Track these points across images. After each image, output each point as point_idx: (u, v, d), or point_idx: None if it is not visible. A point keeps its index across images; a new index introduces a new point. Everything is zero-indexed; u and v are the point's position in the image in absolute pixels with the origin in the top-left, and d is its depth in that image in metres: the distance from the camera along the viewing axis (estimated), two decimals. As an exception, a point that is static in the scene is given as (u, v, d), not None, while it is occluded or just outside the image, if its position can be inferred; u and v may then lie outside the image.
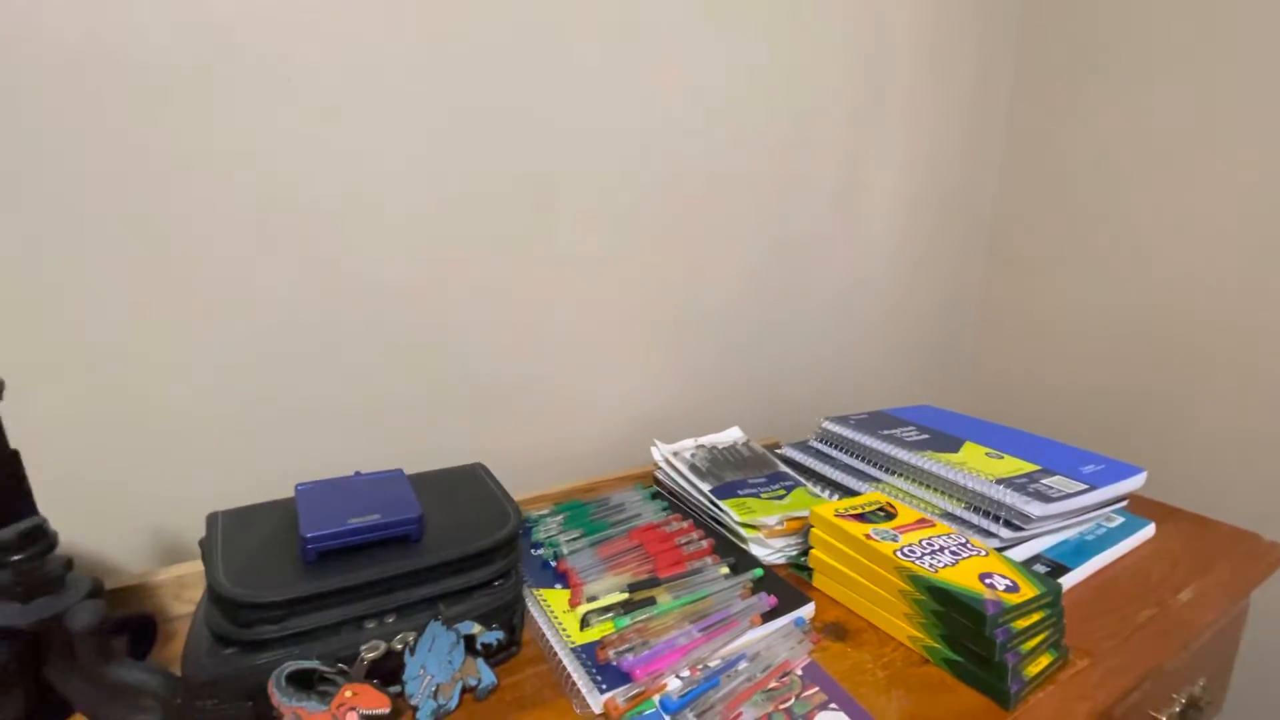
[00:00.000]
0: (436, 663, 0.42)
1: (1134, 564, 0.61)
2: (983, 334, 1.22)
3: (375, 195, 0.61)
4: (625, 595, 0.51)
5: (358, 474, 0.53)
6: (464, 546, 0.46)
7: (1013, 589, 0.46)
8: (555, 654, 0.46)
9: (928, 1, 0.95)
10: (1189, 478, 0.96)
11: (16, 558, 0.36)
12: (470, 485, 0.55)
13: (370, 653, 0.40)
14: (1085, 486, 0.60)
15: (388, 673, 0.41)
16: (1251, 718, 0.93)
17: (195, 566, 0.52)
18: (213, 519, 0.47)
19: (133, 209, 0.51)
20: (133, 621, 0.47)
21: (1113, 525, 0.65)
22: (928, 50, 0.98)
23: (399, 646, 0.41)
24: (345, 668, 0.39)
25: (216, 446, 0.58)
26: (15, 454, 0.40)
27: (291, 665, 0.38)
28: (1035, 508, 0.55)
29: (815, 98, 0.87)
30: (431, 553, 0.45)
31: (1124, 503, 0.67)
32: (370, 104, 0.58)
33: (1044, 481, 0.60)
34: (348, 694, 0.38)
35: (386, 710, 0.39)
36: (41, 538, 0.38)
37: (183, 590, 0.52)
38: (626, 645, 0.44)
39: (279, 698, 0.37)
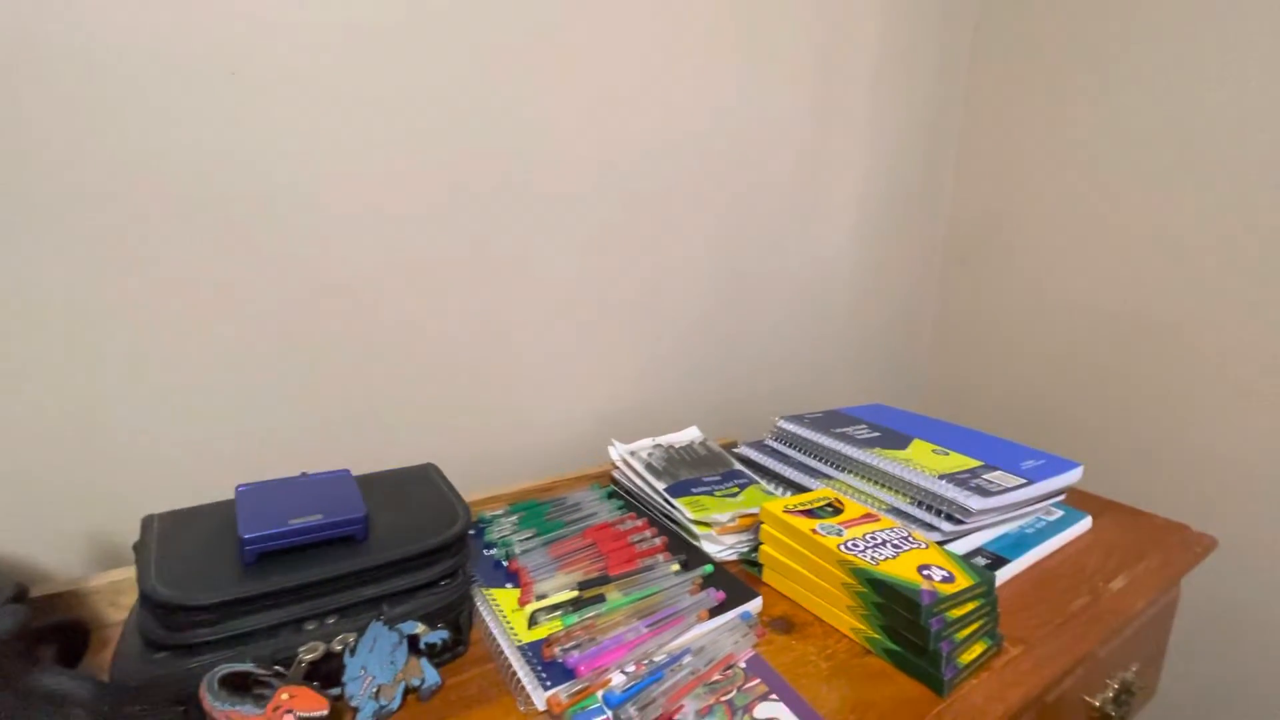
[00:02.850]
0: (378, 663, 0.41)
1: (1071, 555, 0.64)
2: (938, 335, 1.25)
3: (329, 195, 0.60)
4: (575, 593, 0.51)
5: (304, 474, 0.52)
6: (409, 546, 0.45)
7: (949, 579, 0.47)
8: (502, 652, 0.46)
9: (885, 9, 0.98)
10: (1127, 472, 1.00)
11: (-70, 563, 0.35)
12: (420, 485, 0.55)
13: (308, 654, 0.39)
14: (1024, 481, 0.62)
15: (329, 674, 0.41)
16: (1185, 700, 0.97)
17: (132, 572, 0.50)
18: (148, 521, 0.46)
19: (69, 205, 0.50)
20: (63, 628, 0.46)
21: (1052, 518, 0.67)
22: (885, 58, 1.00)
23: (338, 648, 0.41)
24: (282, 670, 0.39)
25: (159, 448, 0.56)
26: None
27: (225, 668, 0.37)
28: (975, 502, 0.57)
29: (774, 105, 0.89)
30: (375, 553, 0.44)
31: (1062, 496, 0.69)
32: (329, 103, 0.58)
33: (985, 477, 0.62)
34: (284, 696, 0.38)
35: (324, 712, 0.38)
36: (-41, 542, 0.37)
37: (118, 596, 0.50)
38: (573, 642, 0.45)
39: (211, 702, 0.36)
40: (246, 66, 0.54)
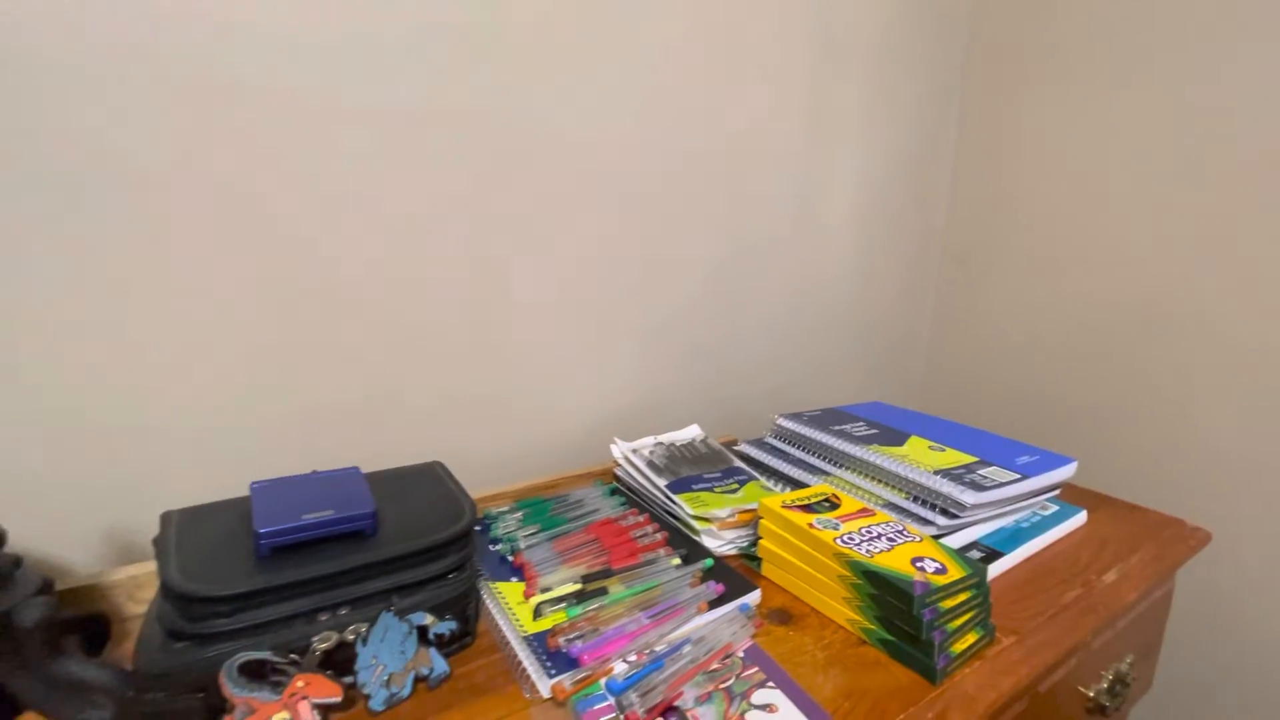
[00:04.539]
0: (389, 653, 0.43)
1: (1065, 549, 0.65)
2: (935, 333, 1.26)
3: (351, 204, 0.62)
4: (578, 586, 0.53)
5: (315, 472, 0.54)
6: (417, 541, 0.47)
7: (941, 571, 0.48)
8: (508, 643, 0.47)
9: (877, 14, 0.99)
10: (1125, 468, 1.01)
11: (-37, 555, 0.37)
12: (427, 483, 0.56)
13: (322, 643, 0.41)
14: (1018, 476, 0.63)
15: (341, 663, 0.42)
16: (1180, 694, 0.98)
17: (149, 567, 0.52)
18: (167, 517, 0.48)
19: (89, 203, 0.51)
20: (86, 621, 0.47)
21: (1047, 513, 0.68)
22: (881, 58, 1.01)
23: (351, 637, 0.42)
24: (297, 658, 0.41)
25: (176, 447, 0.58)
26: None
27: (243, 656, 0.39)
28: (969, 496, 0.58)
29: (770, 111, 0.90)
30: (385, 547, 0.46)
31: (1057, 491, 0.70)
32: (329, 110, 0.59)
33: (980, 472, 0.63)
34: (300, 684, 0.39)
35: (338, 698, 0.40)
36: (-11, 536, 0.38)
37: (137, 590, 0.52)
38: (576, 633, 0.46)
39: (230, 688, 0.38)
40: (234, 71, 0.56)
